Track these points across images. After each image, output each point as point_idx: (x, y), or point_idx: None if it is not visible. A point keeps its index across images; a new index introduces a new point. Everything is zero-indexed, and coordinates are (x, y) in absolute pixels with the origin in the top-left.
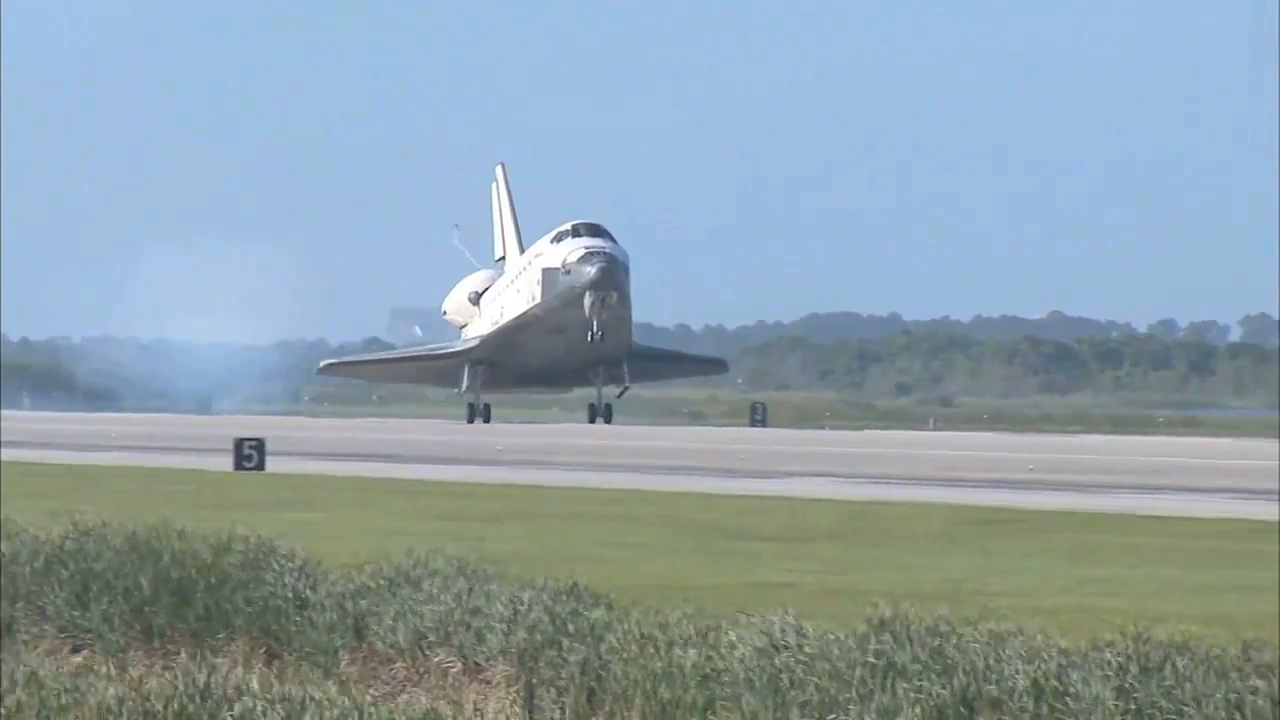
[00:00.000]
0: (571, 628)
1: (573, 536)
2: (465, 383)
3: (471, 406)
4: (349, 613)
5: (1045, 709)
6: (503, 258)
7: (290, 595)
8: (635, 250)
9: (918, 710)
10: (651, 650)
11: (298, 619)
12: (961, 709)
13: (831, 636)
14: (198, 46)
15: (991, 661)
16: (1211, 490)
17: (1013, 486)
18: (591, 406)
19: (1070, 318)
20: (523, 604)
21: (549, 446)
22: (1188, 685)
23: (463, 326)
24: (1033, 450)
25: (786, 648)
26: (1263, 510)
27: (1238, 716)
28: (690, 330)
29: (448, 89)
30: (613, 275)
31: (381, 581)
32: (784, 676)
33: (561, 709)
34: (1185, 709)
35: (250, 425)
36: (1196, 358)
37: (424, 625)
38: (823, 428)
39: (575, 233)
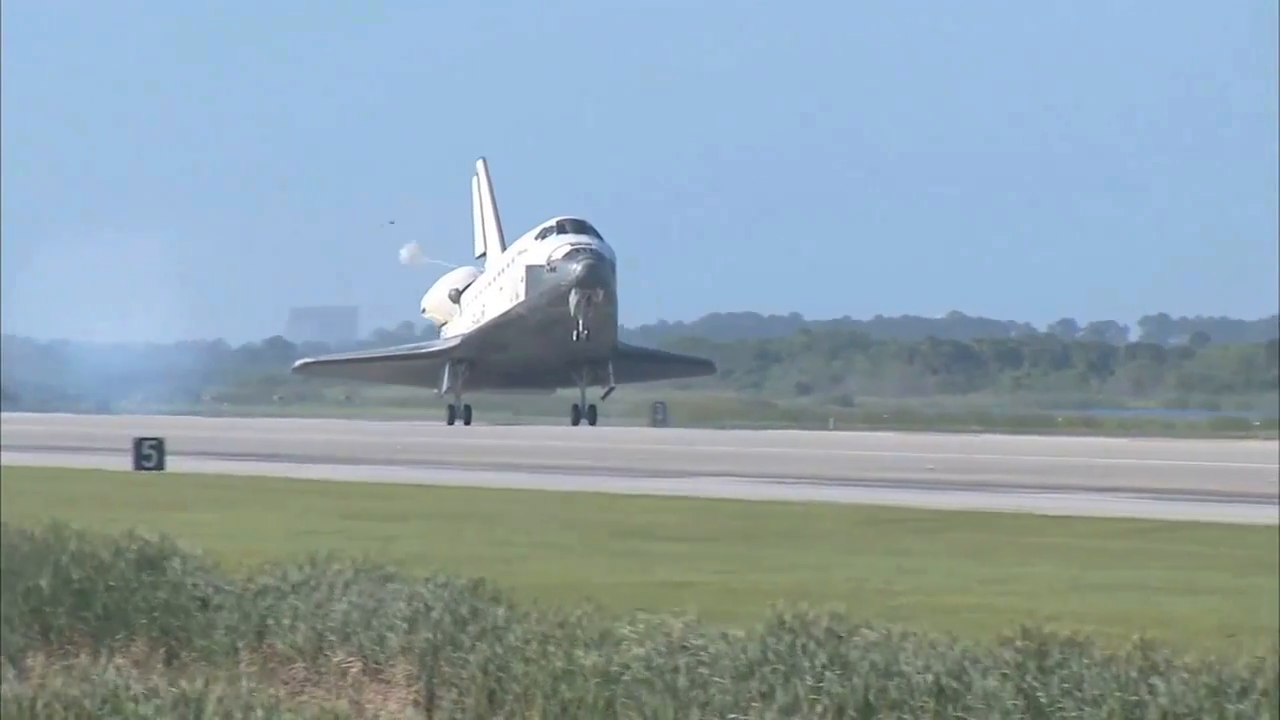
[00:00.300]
0: (472, 627)
1: (472, 536)
2: (445, 383)
3: (452, 408)
4: (249, 613)
5: (946, 708)
6: (483, 254)
7: (191, 595)
8: None
9: (819, 710)
10: (552, 650)
11: (198, 619)
12: (863, 708)
13: (733, 636)
14: (102, 33)
15: (893, 661)
16: (1109, 490)
17: (913, 486)
18: (575, 408)
19: (970, 318)
20: (424, 603)
21: (452, 447)
22: (1086, 685)
23: (442, 325)
24: (933, 450)
25: (687, 648)
26: (1159, 509)
27: (1137, 716)
28: None
29: (384, 82)
30: (599, 273)
31: (282, 582)
32: (685, 676)
33: (462, 709)
34: (1085, 709)
35: (150, 425)
36: (1096, 358)
37: (324, 625)
38: (723, 427)
39: (560, 229)
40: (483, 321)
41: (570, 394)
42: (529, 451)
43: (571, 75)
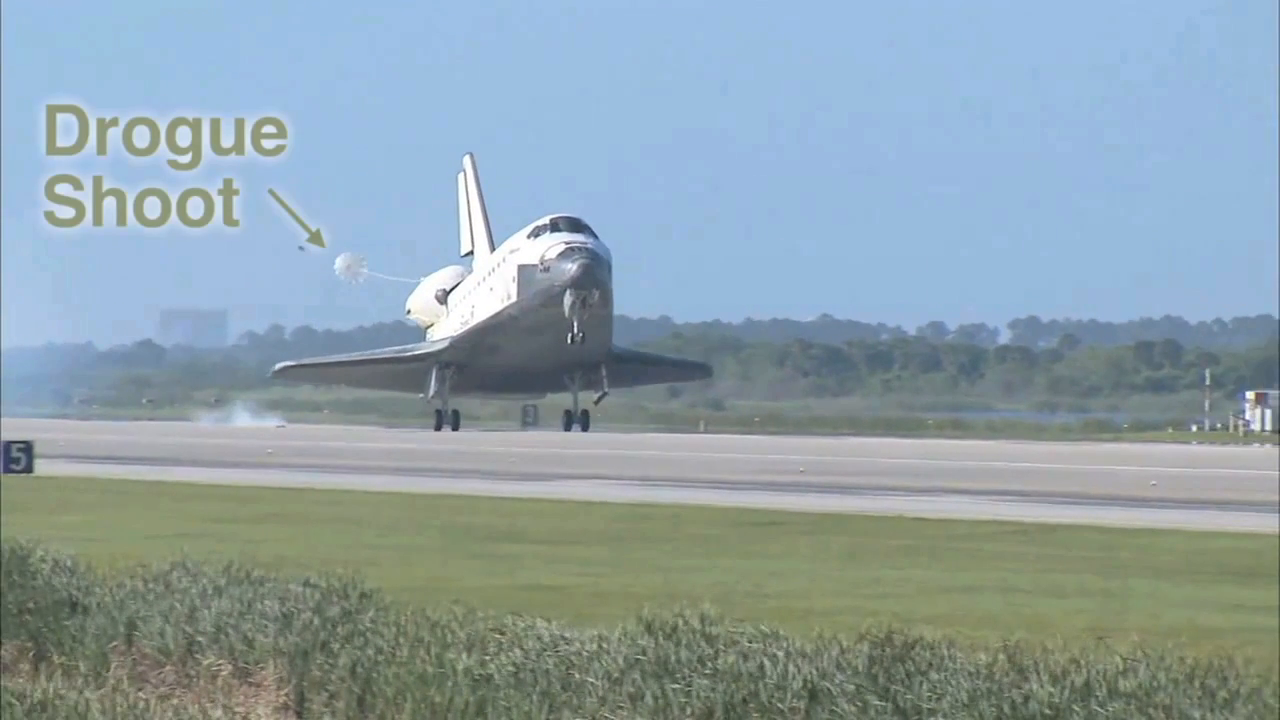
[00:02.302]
0: (342, 629)
1: (341, 539)
2: (432, 387)
3: (439, 413)
4: (119, 616)
5: (815, 711)
6: (470, 253)
7: (60, 598)
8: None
9: (689, 712)
10: (422, 653)
11: (68, 622)
12: (732, 710)
13: (603, 638)
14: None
15: (763, 663)
16: (979, 492)
17: (784, 489)
18: (568, 413)
19: (840, 320)
20: (293, 606)
21: (324, 449)
22: (956, 688)
23: (428, 327)
24: (804, 452)
25: (557, 650)
26: (1028, 512)
27: (1006, 718)
28: None
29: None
30: (594, 273)
31: (151, 584)
32: (555, 678)
33: (332, 712)
34: (955, 712)
35: (19, 428)
36: (966, 361)
37: (194, 629)
38: (593, 430)
39: (554, 227)
40: (472, 323)
41: (555, 399)
42: (398, 454)
43: (551, 70)
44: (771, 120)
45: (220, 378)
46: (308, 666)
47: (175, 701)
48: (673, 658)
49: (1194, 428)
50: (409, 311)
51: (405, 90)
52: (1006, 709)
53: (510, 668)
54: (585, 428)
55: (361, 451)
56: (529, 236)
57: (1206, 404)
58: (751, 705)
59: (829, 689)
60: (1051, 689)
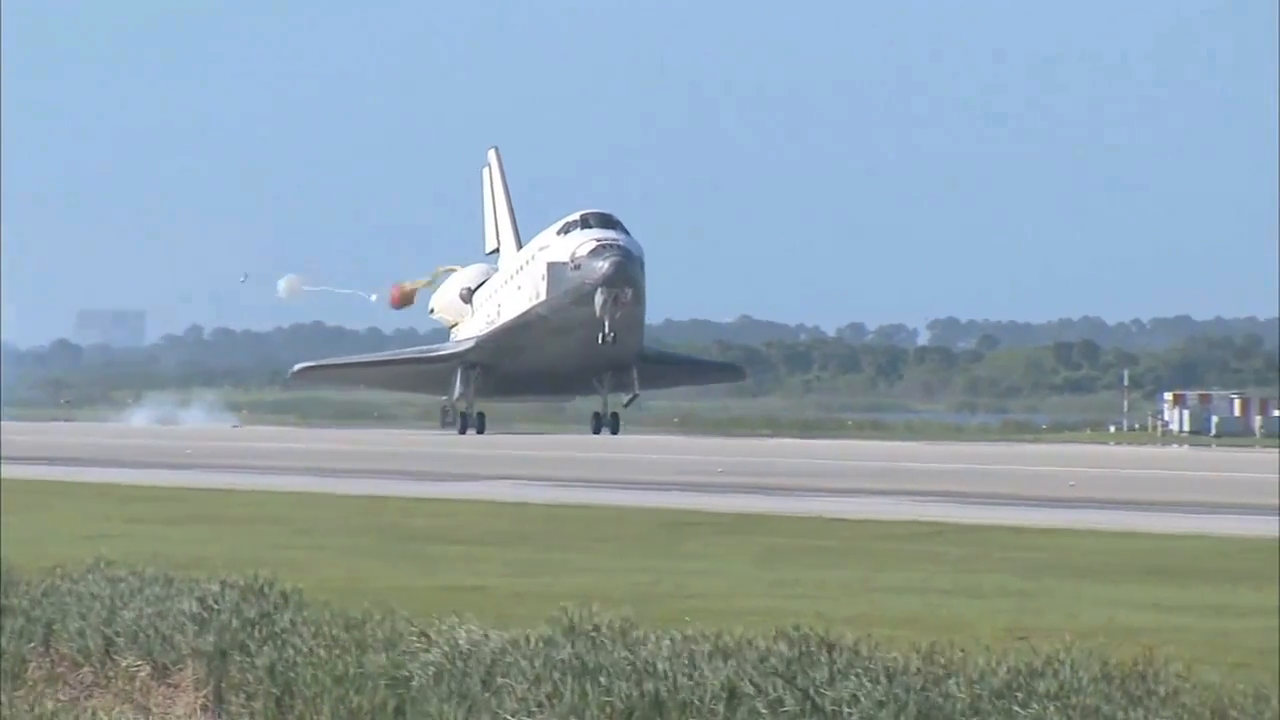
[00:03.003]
0: (260, 630)
1: (261, 539)
2: (456, 389)
3: (464, 416)
4: (36, 618)
5: (735, 711)
6: (495, 250)
7: None
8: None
9: (607, 711)
10: (340, 653)
11: None
12: (652, 711)
13: (523, 639)
14: None
15: (681, 662)
16: (898, 493)
17: (703, 490)
18: (596, 415)
19: (759, 321)
20: (211, 606)
21: (241, 450)
22: (874, 688)
23: (452, 326)
24: (722, 453)
25: (477, 651)
26: (947, 512)
27: (924, 717)
28: (380, 333)
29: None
30: (627, 271)
31: (69, 585)
32: (474, 679)
33: (250, 713)
34: (872, 714)
35: None
36: (885, 361)
37: (112, 630)
38: (516, 431)
39: (584, 223)
40: (498, 323)
41: (581, 402)
42: (318, 455)
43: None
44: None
45: (137, 380)
46: (226, 667)
47: (94, 703)
48: (592, 658)
49: (1112, 428)
50: (432, 311)
51: (428, 82)
52: (925, 710)
53: (430, 668)
54: (615, 431)
55: (286, 453)
56: (559, 233)
57: (1125, 405)
58: (670, 705)
59: (747, 689)
60: (970, 689)
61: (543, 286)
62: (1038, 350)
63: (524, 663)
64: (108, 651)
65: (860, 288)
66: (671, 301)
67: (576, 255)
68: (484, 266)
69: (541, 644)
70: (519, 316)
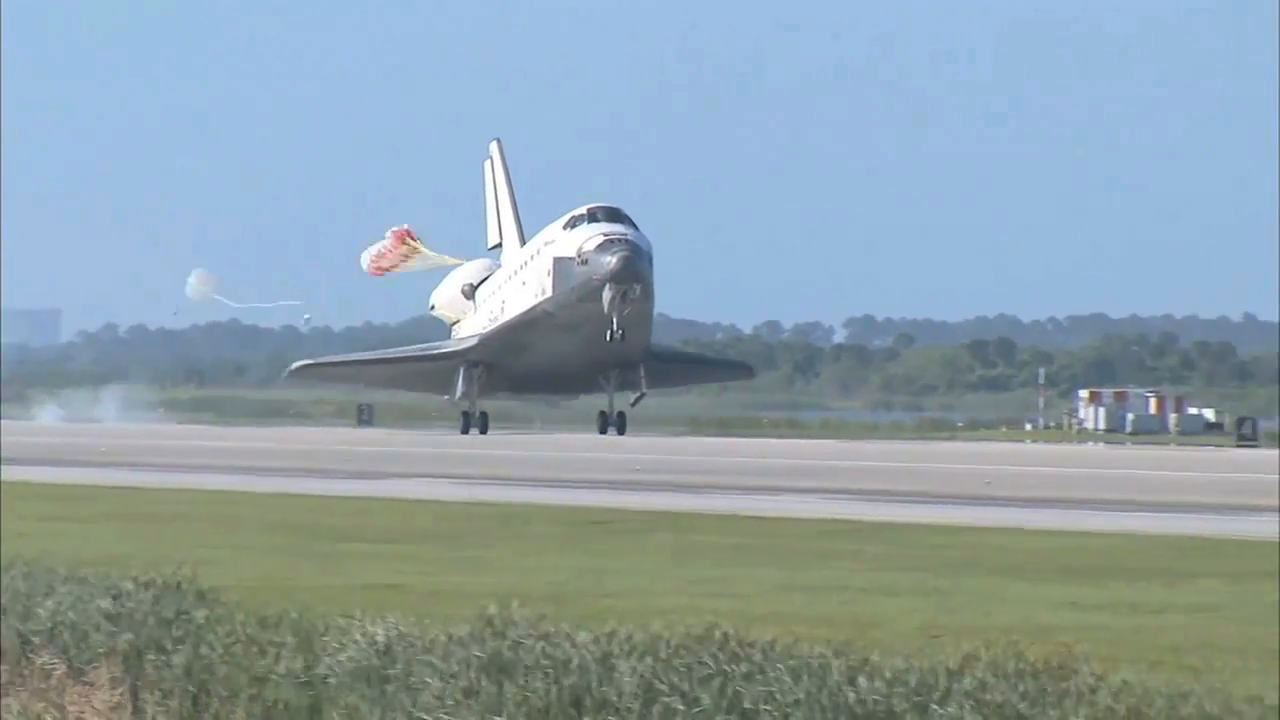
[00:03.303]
0: (176, 629)
1: (175, 538)
2: (459, 388)
3: (466, 415)
4: None
5: (651, 710)
6: (498, 245)
7: None
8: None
9: (524, 710)
10: (256, 652)
11: None
12: (569, 709)
13: (439, 638)
14: None
15: (599, 661)
16: (814, 491)
17: (620, 488)
18: (603, 415)
19: (675, 319)
20: (126, 604)
21: (157, 448)
22: (791, 687)
23: (454, 324)
24: (639, 451)
25: (392, 649)
26: (863, 510)
27: (840, 716)
28: (297, 331)
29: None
30: (636, 266)
31: None
32: (390, 677)
33: (166, 711)
34: (789, 712)
35: None
36: (801, 359)
37: (27, 628)
38: (430, 429)
39: (592, 217)
40: (502, 320)
41: (578, 402)
42: (231, 453)
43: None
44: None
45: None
46: (141, 666)
47: (9, 701)
48: (509, 656)
49: (1028, 426)
50: (433, 307)
51: (424, 75)
52: (841, 708)
53: (346, 667)
54: (621, 431)
55: (205, 450)
56: (565, 227)
57: (1041, 402)
58: (587, 703)
59: (664, 687)
60: (885, 688)
61: (548, 282)
62: (954, 348)
63: (440, 661)
64: (23, 650)
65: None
66: None
67: (584, 250)
68: (486, 261)
69: (458, 642)
70: (524, 313)
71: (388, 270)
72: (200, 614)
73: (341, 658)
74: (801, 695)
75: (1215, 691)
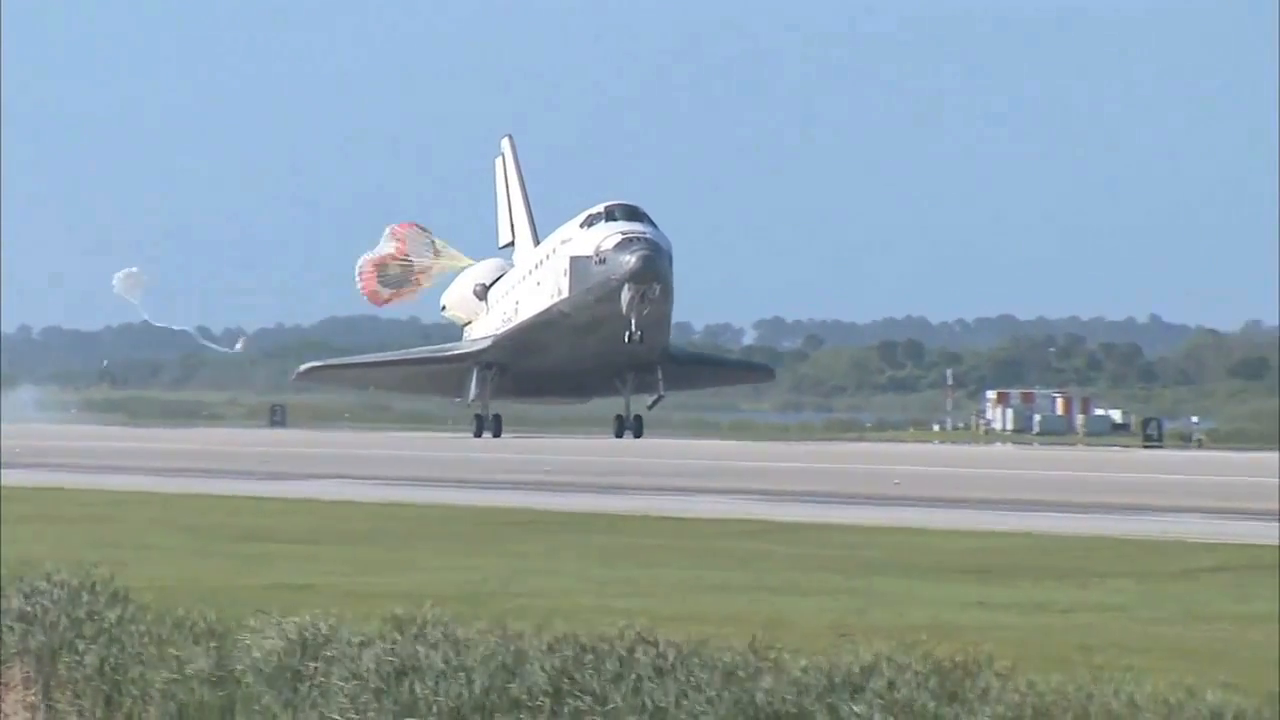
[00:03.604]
0: (89, 628)
1: (90, 538)
2: (472, 390)
3: (479, 418)
4: None
5: (563, 708)
6: (510, 243)
7: None
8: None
9: (435, 709)
10: (169, 652)
11: None
12: (479, 709)
13: (351, 637)
14: None
15: (509, 660)
16: (723, 492)
17: (533, 488)
18: (619, 418)
19: None
20: (39, 604)
21: (69, 449)
22: (701, 686)
23: (465, 325)
24: (553, 453)
25: (305, 649)
26: (773, 511)
27: (750, 715)
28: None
29: None
30: (656, 266)
31: None
32: (301, 676)
33: (79, 711)
34: (700, 711)
35: None
36: None
37: None
38: (342, 429)
39: (609, 216)
40: (516, 321)
41: (594, 404)
42: (145, 454)
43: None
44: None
45: None
46: (55, 666)
47: None
48: (420, 656)
49: (936, 427)
50: (444, 308)
51: (432, 71)
52: (751, 707)
53: (260, 666)
54: (638, 434)
55: (117, 451)
56: (582, 225)
57: (949, 404)
58: (498, 703)
59: (575, 687)
60: (795, 687)
61: (565, 282)
62: (863, 350)
63: (352, 662)
64: None
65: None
66: None
67: (601, 249)
68: (498, 261)
69: (368, 642)
70: (539, 314)
71: (388, 301)
72: (114, 614)
73: (255, 656)
74: (712, 694)
75: (1122, 690)
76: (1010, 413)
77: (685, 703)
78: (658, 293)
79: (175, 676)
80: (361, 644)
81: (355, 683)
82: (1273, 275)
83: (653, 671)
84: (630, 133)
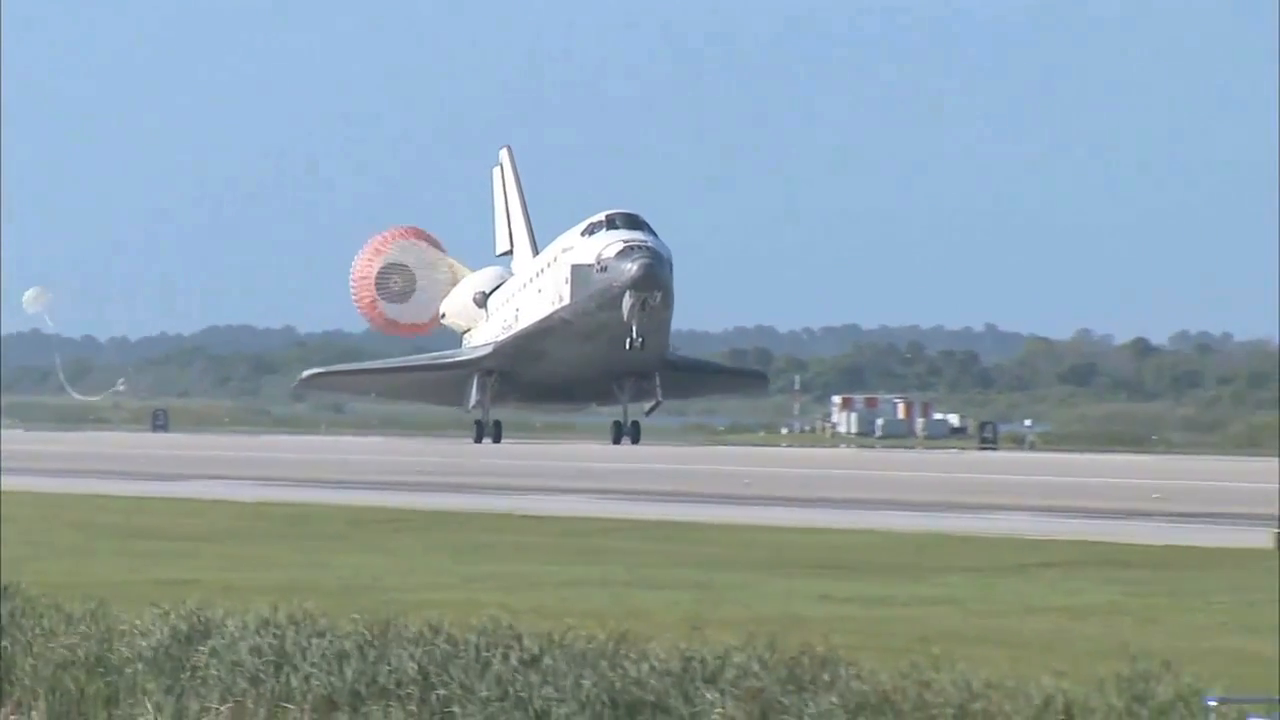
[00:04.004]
0: None
1: None
2: (473, 397)
3: (479, 425)
4: None
5: (430, 696)
6: (508, 252)
7: None
8: None
9: (309, 699)
10: (57, 644)
11: None
12: (350, 697)
13: (229, 630)
14: None
15: (380, 652)
16: (583, 491)
17: (402, 488)
18: (617, 425)
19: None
20: None
21: None
22: (563, 675)
23: (465, 332)
24: (420, 454)
25: (187, 640)
26: (626, 509)
27: (609, 702)
28: (95, 341)
29: None
30: (657, 273)
31: None
32: (182, 666)
33: None
34: (562, 698)
35: None
36: None
37: None
38: (222, 432)
39: (610, 224)
40: (517, 328)
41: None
42: (34, 456)
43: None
44: (515, 124)
45: None
46: None
47: None
48: (294, 647)
49: (785, 430)
50: (443, 315)
51: (436, 80)
52: (611, 695)
53: (147, 655)
54: (636, 440)
55: (8, 454)
56: (583, 234)
57: (796, 408)
58: (368, 691)
59: (442, 676)
60: (654, 677)
61: (566, 290)
62: (713, 356)
63: (231, 651)
64: None
65: None
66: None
67: (603, 257)
68: (497, 269)
69: (246, 634)
70: (540, 321)
71: (399, 327)
72: (4, 608)
73: (138, 649)
74: (573, 684)
75: (958, 678)
76: (854, 417)
77: (548, 691)
78: (659, 300)
79: (63, 666)
80: (240, 636)
81: (231, 671)
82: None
83: (517, 661)
84: (629, 140)
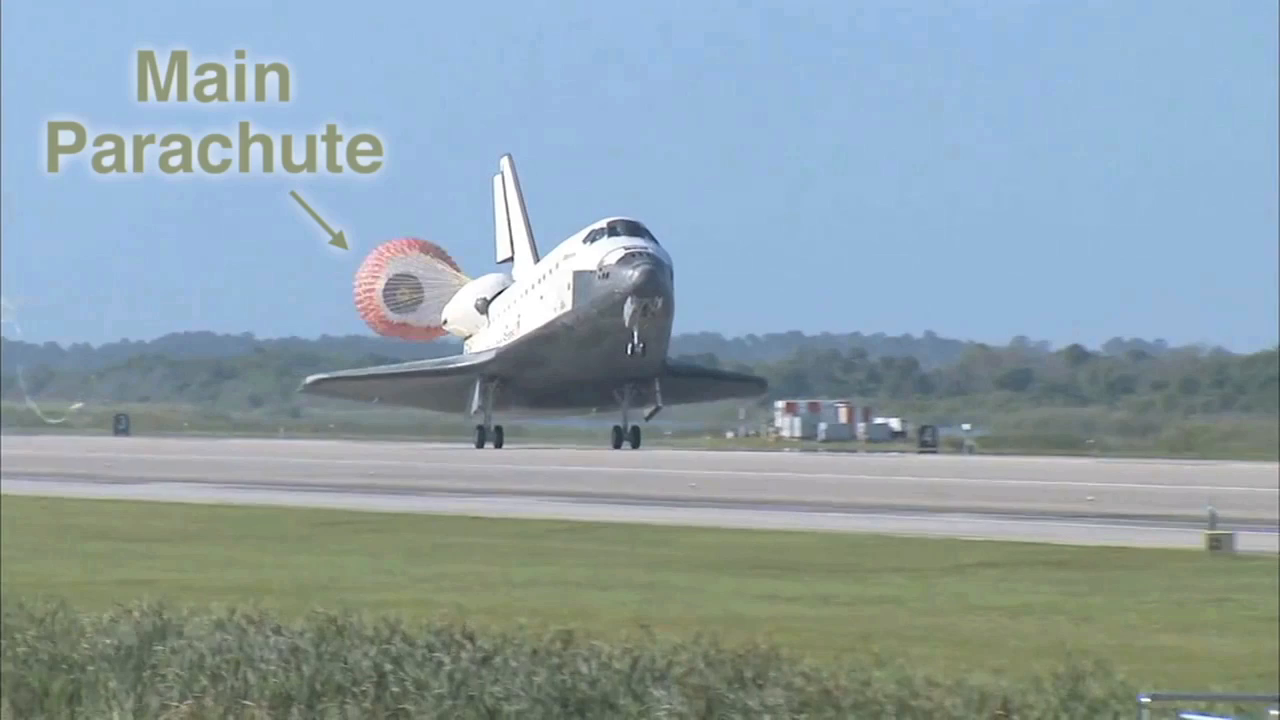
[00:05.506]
0: None
1: None
2: (475, 402)
3: (481, 430)
4: None
5: (384, 694)
6: (509, 258)
7: None
8: None
9: (267, 696)
10: (22, 642)
11: None
12: (308, 694)
13: (190, 629)
14: None
15: (335, 649)
16: (534, 494)
17: (359, 490)
18: (617, 430)
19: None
20: None
21: None
22: (514, 673)
23: (467, 338)
24: (375, 457)
25: (148, 638)
26: (577, 511)
27: (561, 699)
28: (59, 348)
29: None
30: (658, 280)
31: None
32: (143, 664)
33: None
34: (513, 694)
35: None
36: None
37: None
38: (183, 437)
39: (612, 231)
40: (519, 334)
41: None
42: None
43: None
44: (515, 129)
45: None
46: None
47: None
48: (252, 645)
49: (730, 434)
50: (445, 321)
51: (436, 88)
52: (562, 691)
53: (109, 653)
54: (636, 445)
55: None
56: (585, 241)
57: (742, 412)
58: (325, 689)
59: (397, 674)
60: (605, 674)
61: (568, 296)
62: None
63: (191, 650)
64: None
65: None
66: (325, 319)
67: (605, 264)
68: (499, 276)
69: (206, 633)
70: (542, 327)
71: (401, 330)
72: None
73: (100, 647)
74: (524, 681)
75: (899, 675)
76: (798, 421)
77: (499, 689)
78: (659, 306)
79: (26, 663)
80: (199, 635)
81: (191, 669)
82: (1037, 293)
83: (470, 660)
84: (629, 146)
